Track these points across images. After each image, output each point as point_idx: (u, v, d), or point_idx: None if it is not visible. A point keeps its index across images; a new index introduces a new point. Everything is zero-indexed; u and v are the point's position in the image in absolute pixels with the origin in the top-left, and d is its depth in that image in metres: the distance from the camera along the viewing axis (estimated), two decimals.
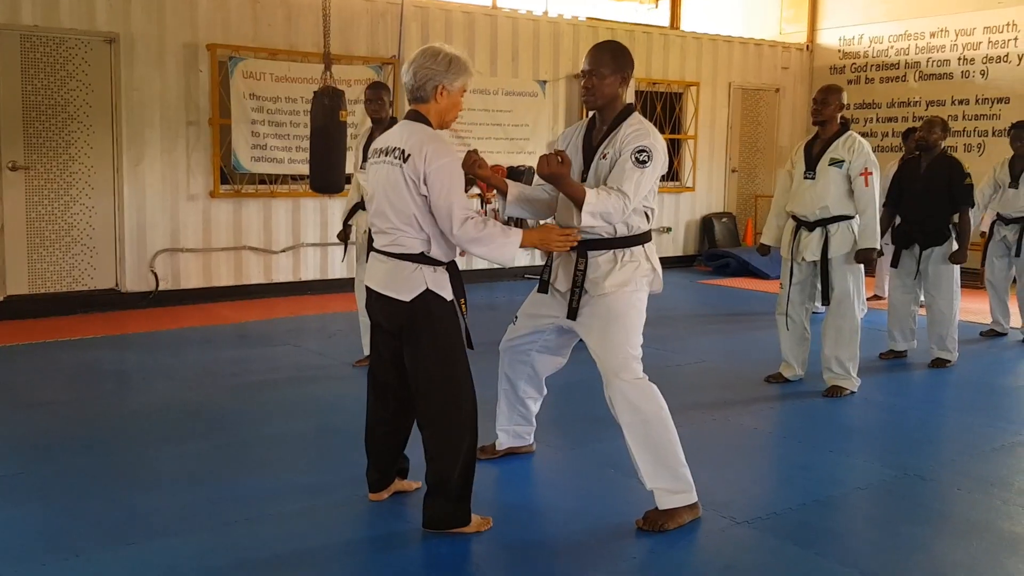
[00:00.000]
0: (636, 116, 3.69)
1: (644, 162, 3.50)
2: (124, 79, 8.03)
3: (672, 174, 12.16)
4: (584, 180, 3.66)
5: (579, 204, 3.44)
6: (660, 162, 3.59)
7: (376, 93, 5.82)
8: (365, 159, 5.79)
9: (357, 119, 8.63)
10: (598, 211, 3.45)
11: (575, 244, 3.50)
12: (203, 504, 3.72)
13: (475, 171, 3.64)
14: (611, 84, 3.62)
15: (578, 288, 3.66)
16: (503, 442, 4.27)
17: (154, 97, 8.20)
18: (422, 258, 3.29)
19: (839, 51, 12.88)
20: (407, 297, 3.28)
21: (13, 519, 3.57)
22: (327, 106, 6.67)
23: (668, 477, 3.57)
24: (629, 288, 3.61)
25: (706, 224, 12.33)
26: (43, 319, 7.58)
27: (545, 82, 10.64)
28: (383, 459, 3.71)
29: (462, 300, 3.39)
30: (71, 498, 3.79)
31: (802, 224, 5.57)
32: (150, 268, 8.30)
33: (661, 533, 3.49)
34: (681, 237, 12.26)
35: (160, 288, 8.34)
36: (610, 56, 3.64)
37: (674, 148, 12.14)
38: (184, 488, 3.93)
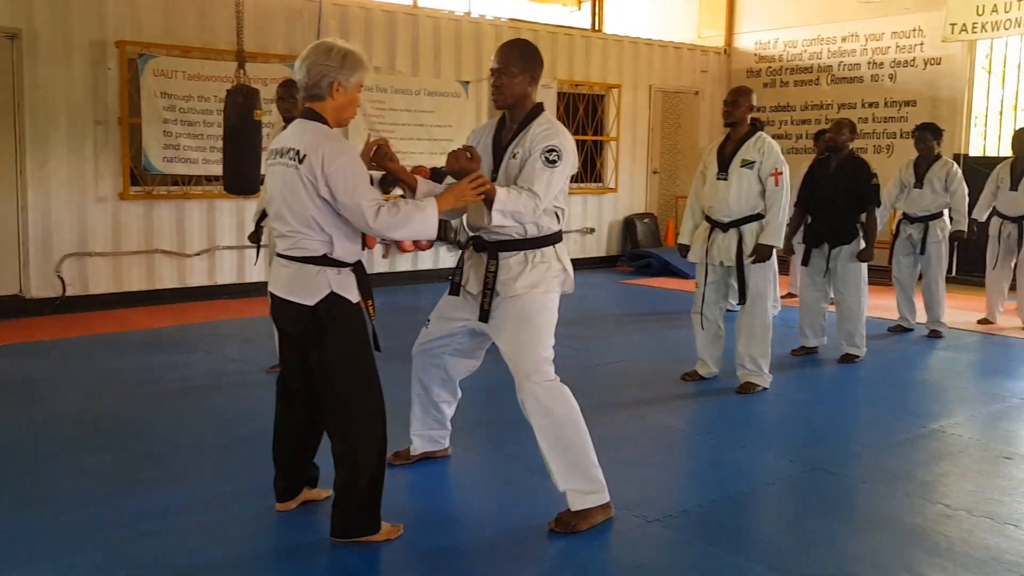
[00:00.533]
0: (546, 115, 3.69)
1: (554, 162, 3.51)
2: (27, 77, 7.76)
3: (595, 175, 12.27)
4: (495, 179, 3.64)
5: (489, 203, 3.43)
6: (570, 162, 3.59)
7: (288, 91, 5.73)
8: None
9: (273, 119, 8.44)
10: (508, 210, 3.44)
11: (490, 189, 3.38)
12: (103, 519, 3.59)
13: (387, 164, 3.58)
14: (520, 83, 3.62)
15: (489, 290, 3.64)
16: (417, 447, 4.23)
17: (59, 96, 7.94)
18: (325, 260, 3.22)
19: (755, 55, 13.14)
20: (311, 301, 3.22)
21: None
22: (241, 105, 6.55)
23: (580, 478, 3.58)
24: (540, 289, 3.61)
25: (628, 225, 12.46)
26: None
27: (468, 83, 10.62)
28: (291, 468, 3.62)
29: (369, 302, 3.34)
30: None
31: (716, 225, 5.65)
32: (56, 273, 8.04)
33: (574, 534, 3.50)
34: (604, 238, 12.36)
35: (67, 294, 8.08)
36: (519, 55, 3.63)
37: (596, 150, 12.24)
38: (84, 503, 3.78)
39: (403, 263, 10.31)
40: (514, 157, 3.62)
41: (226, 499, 3.83)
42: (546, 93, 11.21)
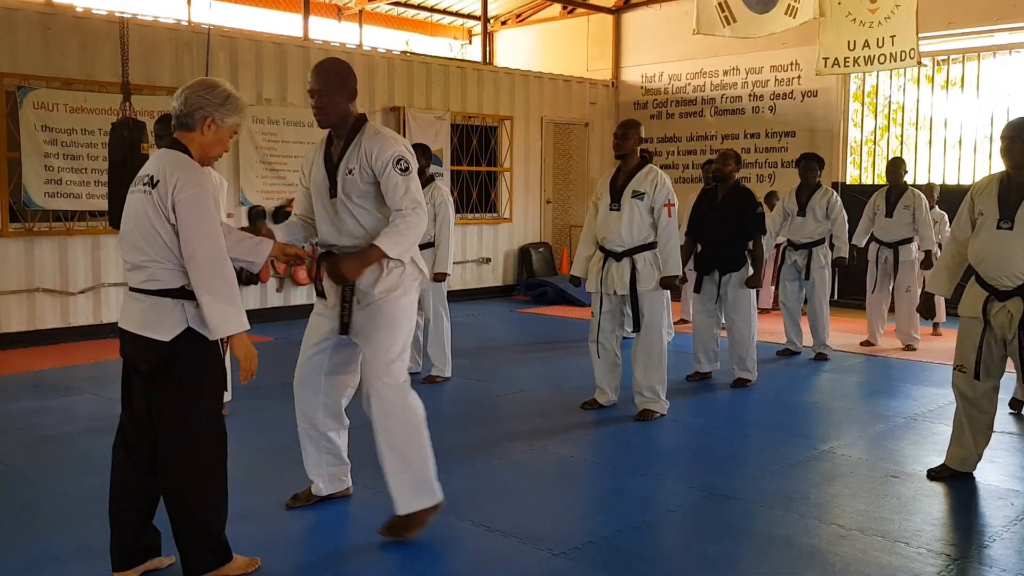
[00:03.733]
0: (370, 125, 3.79)
1: (406, 170, 3.66)
2: None
3: (489, 206, 12.35)
4: (334, 196, 3.72)
5: (389, 257, 3.60)
6: (415, 163, 3.74)
7: (164, 128, 5.59)
8: None
9: None
10: (403, 249, 3.62)
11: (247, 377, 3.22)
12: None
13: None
14: (340, 101, 3.71)
15: (347, 303, 3.74)
16: (320, 489, 4.13)
17: None
18: (183, 292, 3.07)
19: (642, 87, 13.49)
20: (166, 336, 3.06)
21: None
22: (127, 138, 6.35)
23: (412, 482, 3.70)
24: (398, 292, 3.73)
25: (524, 254, 12.57)
26: None
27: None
28: (131, 530, 3.28)
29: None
30: None
31: (610, 255, 5.75)
32: None
33: (409, 542, 3.61)
34: (500, 267, 12.43)
35: None
36: (335, 74, 3.72)
37: (491, 180, 12.34)
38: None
39: (298, 296, 10.14)
40: (350, 173, 3.69)
41: (103, 550, 3.65)
42: (439, 124, 11.26)
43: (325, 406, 4.01)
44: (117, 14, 8.69)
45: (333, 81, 3.68)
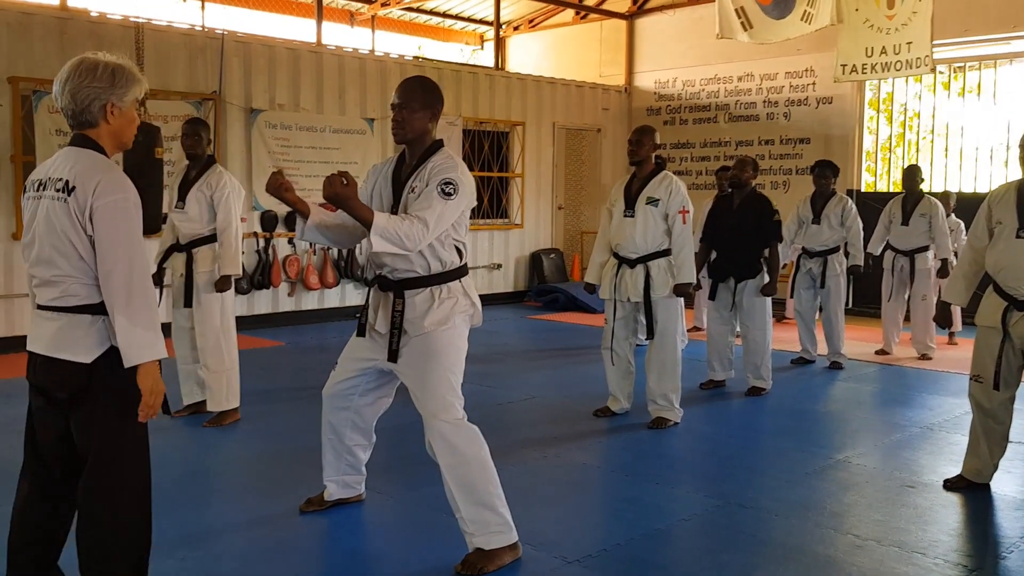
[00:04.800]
0: (445, 151, 3.67)
1: (449, 194, 3.46)
2: None
3: (501, 211, 12.34)
4: (394, 213, 3.58)
5: (368, 226, 3.33)
6: (467, 197, 3.56)
7: (193, 128, 5.61)
8: (180, 198, 5.58)
9: (174, 156, 8.29)
10: (387, 235, 3.33)
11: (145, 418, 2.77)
12: None
13: (283, 195, 3.42)
14: (421, 119, 3.59)
15: (396, 330, 3.59)
16: (332, 493, 4.12)
17: None
18: (103, 308, 2.68)
19: (655, 93, 13.46)
20: (87, 358, 2.68)
21: None
22: (141, 143, 6.34)
23: (487, 518, 3.54)
24: (447, 326, 3.57)
25: (535, 260, 12.55)
26: None
27: (373, 120, 10.58)
28: (33, 568, 2.87)
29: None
30: None
31: (624, 261, 5.72)
32: None
33: (424, 548, 3.49)
34: (511, 273, 12.41)
35: None
36: (421, 91, 3.62)
37: (502, 186, 12.33)
38: None
39: (309, 301, 10.14)
40: (412, 191, 3.57)
41: None
42: (451, 130, 11.26)
43: (355, 424, 3.97)
44: (132, 19, 8.73)
45: (417, 97, 3.59)
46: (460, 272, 3.67)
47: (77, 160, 2.71)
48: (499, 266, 12.18)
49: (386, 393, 4.00)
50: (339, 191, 3.28)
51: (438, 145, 3.67)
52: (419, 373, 3.57)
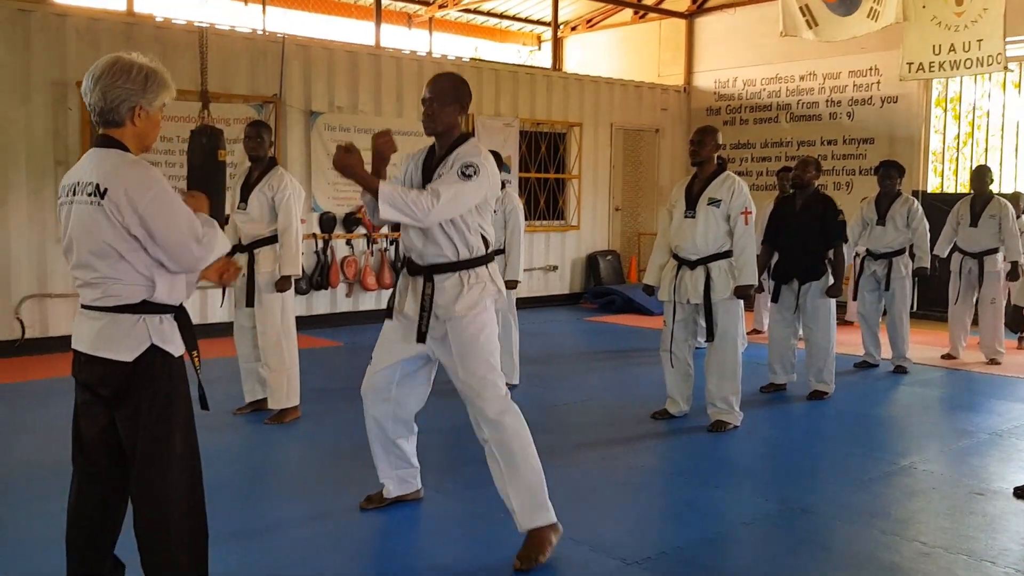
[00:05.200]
0: (472, 141, 3.84)
1: (468, 176, 3.62)
2: None
3: (557, 213, 12.31)
4: None
5: (374, 194, 3.54)
6: (486, 182, 3.68)
7: (256, 131, 5.69)
8: (242, 199, 5.66)
9: (236, 158, 8.41)
10: (394, 202, 3.51)
11: (230, 280, 3.29)
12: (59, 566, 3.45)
13: (350, 172, 3.56)
14: (450, 112, 3.77)
15: (426, 312, 3.74)
16: (391, 490, 4.16)
17: (19, 136, 7.83)
18: (145, 307, 2.76)
19: (715, 93, 13.32)
20: (128, 357, 2.73)
21: None
22: (205, 145, 6.42)
23: (532, 494, 3.67)
24: (478, 310, 3.72)
25: (591, 262, 12.49)
26: None
27: None
28: (91, 559, 2.97)
29: (195, 353, 2.91)
30: None
31: (684, 263, 5.66)
32: (15, 315, 7.86)
33: (539, 566, 3.49)
34: (567, 275, 12.37)
35: (27, 336, 7.90)
36: (450, 86, 3.80)
37: (559, 187, 12.30)
38: (46, 549, 3.64)
39: (367, 302, 10.22)
40: (439, 177, 3.72)
41: None
42: (508, 131, 11.28)
43: (395, 415, 4.01)
44: (196, 23, 8.89)
45: (446, 92, 3.76)
46: (487, 258, 3.82)
47: (103, 161, 2.75)
48: (555, 268, 12.15)
49: (423, 381, 4.05)
50: (344, 161, 3.52)
51: (466, 136, 3.84)
52: (459, 357, 3.71)
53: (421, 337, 3.76)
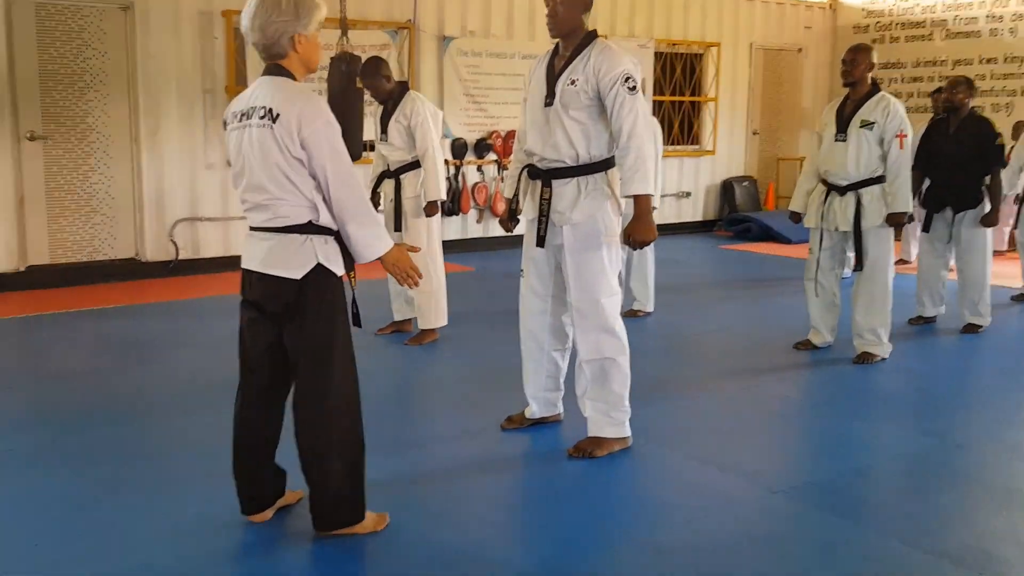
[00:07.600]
0: (601, 40, 3.74)
1: (634, 88, 3.61)
2: (140, 47, 7.93)
3: (691, 137, 12.02)
4: (549, 104, 3.72)
5: (644, 202, 3.62)
6: (640, 80, 3.68)
7: (375, 67, 5.72)
8: (383, 130, 5.73)
9: None
10: (650, 181, 3.59)
11: (414, 284, 3.15)
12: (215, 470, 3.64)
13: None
14: (575, 12, 3.70)
15: (544, 217, 3.76)
16: (535, 411, 4.19)
17: (170, 65, 8.11)
18: (311, 228, 2.91)
19: (863, 9, 12.63)
20: (298, 274, 2.90)
21: (48, 487, 3.55)
22: (345, 72, 6.57)
23: (611, 410, 3.82)
24: (597, 217, 3.71)
25: (726, 188, 12.18)
26: (64, 289, 7.57)
27: None
28: (258, 473, 3.21)
29: (352, 273, 3.05)
30: (106, 468, 3.75)
31: (833, 188, 5.44)
32: (170, 237, 8.26)
33: (591, 459, 3.70)
34: (701, 202, 12.11)
35: (180, 257, 8.31)
36: None
37: (694, 111, 11.98)
38: (216, 453, 3.85)
39: (497, 228, 10.27)
40: (572, 83, 3.68)
41: None
42: (643, 53, 10.99)
43: (551, 325, 4.02)
44: None
45: None
46: (608, 163, 3.76)
47: (277, 89, 2.89)
48: (688, 194, 11.90)
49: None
50: (640, 236, 3.69)
51: (592, 36, 3.74)
52: (574, 265, 3.73)
53: (540, 241, 3.81)
